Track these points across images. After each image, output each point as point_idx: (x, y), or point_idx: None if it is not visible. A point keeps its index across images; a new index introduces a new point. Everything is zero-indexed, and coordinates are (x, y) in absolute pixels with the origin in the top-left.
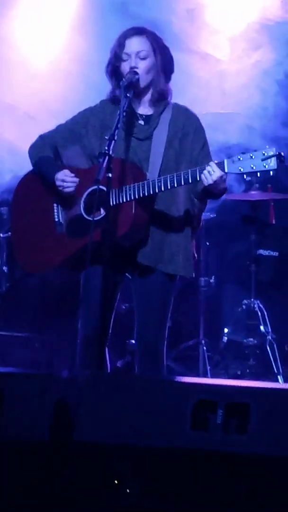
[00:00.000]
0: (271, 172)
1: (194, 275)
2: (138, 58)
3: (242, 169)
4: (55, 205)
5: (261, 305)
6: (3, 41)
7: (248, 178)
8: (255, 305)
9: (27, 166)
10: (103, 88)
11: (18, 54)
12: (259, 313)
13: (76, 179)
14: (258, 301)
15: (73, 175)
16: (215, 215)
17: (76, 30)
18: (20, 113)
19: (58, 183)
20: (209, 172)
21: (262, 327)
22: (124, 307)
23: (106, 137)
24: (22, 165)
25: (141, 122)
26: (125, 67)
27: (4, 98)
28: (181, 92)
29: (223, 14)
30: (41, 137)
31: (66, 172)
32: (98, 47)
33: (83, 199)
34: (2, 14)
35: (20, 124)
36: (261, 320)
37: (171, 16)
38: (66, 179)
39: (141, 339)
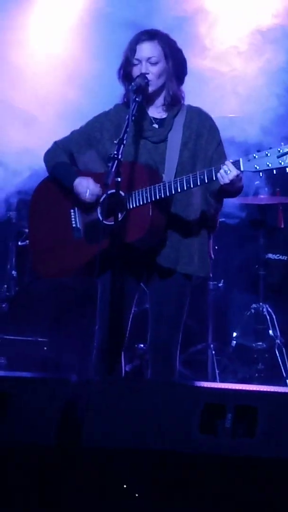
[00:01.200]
0: (287, 169)
1: (211, 275)
2: (148, 63)
3: (258, 167)
4: (72, 210)
5: (269, 309)
6: (7, 44)
7: (257, 182)
8: (264, 309)
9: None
10: (108, 89)
11: (22, 55)
12: (268, 317)
13: (99, 189)
14: (267, 305)
15: (98, 184)
16: (224, 219)
17: (79, 32)
18: (23, 113)
19: (80, 189)
20: (225, 171)
21: (271, 331)
22: (133, 311)
23: (115, 141)
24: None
25: (155, 125)
26: (136, 72)
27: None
28: (193, 95)
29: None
30: (56, 144)
31: (90, 180)
32: (100, 48)
33: (100, 203)
34: (5, 17)
35: (23, 124)
36: (269, 324)
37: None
38: (90, 187)
39: (155, 343)
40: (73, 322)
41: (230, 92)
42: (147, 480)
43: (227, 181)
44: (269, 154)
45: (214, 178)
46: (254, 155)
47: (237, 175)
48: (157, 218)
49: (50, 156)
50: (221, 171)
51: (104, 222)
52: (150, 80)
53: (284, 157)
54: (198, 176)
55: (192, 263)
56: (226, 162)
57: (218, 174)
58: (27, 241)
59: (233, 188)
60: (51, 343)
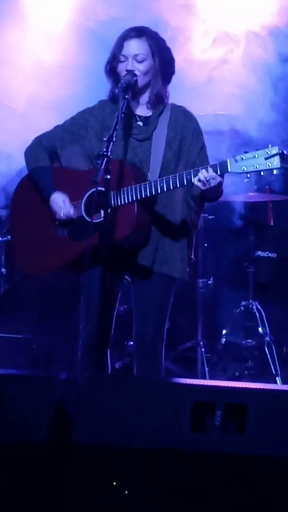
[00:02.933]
0: (275, 171)
1: (188, 277)
2: (135, 61)
3: (245, 168)
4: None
5: (259, 307)
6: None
7: (246, 179)
8: (254, 307)
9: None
10: (98, 85)
11: (15, 54)
12: (258, 315)
13: (72, 211)
14: (257, 303)
15: (71, 205)
16: (213, 216)
17: (74, 31)
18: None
19: (55, 207)
20: (205, 177)
21: (260, 329)
22: (122, 308)
23: (104, 139)
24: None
25: (140, 123)
26: (121, 68)
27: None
28: (176, 92)
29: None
30: (38, 139)
31: (65, 200)
32: (95, 45)
33: (83, 201)
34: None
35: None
36: (259, 321)
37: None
38: (66, 208)
39: (139, 340)
40: (62, 319)
41: (212, 90)
42: (137, 478)
43: (208, 186)
44: (256, 156)
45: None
46: (242, 156)
47: (216, 179)
48: (142, 216)
49: (31, 154)
50: (200, 175)
51: (92, 220)
52: (137, 76)
53: (272, 159)
54: (184, 176)
55: (168, 263)
56: (208, 167)
57: (196, 179)
58: (8, 236)
59: (213, 194)
60: (40, 341)
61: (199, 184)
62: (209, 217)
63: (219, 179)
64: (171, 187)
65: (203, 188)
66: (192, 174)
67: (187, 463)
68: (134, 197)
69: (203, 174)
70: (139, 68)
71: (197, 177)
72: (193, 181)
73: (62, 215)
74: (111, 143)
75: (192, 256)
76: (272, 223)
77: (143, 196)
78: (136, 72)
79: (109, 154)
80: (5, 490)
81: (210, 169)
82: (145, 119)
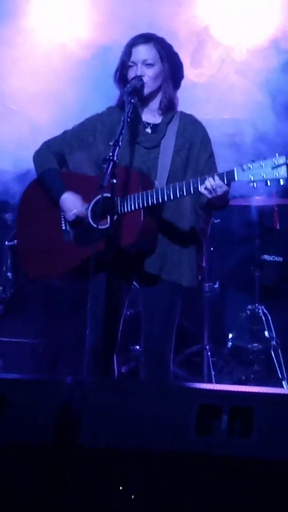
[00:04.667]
0: (282, 181)
1: (197, 285)
2: (144, 66)
3: (252, 177)
4: (62, 212)
5: (265, 310)
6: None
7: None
8: (260, 310)
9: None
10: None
11: (14, 52)
12: (264, 318)
13: (83, 209)
14: (263, 306)
15: (85, 205)
16: (219, 220)
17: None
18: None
19: (66, 207)
20: (211, 185)
21: (266, 332)
22: (128, 313)
23: (110, 143)
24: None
25: (148, 130)
26: (131, 74)
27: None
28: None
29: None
30: (46, 144)
31: (78, 200)
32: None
33: (90, 207)
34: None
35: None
36: (265, 325)
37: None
38: (78, 207)
39: (148, 348)
40: (68, 324)
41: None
42: (143, 481)
43: (214, 195)
44: (263, 165)
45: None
46: (249, 165)
47: (222, 188)
48: (148, 223)
49: (40, 158)
50: (207, 183)
51: (95, 225)
52: (145, 82)
53: (279, 168)
54: (191, 184)
55: (177, 271)
56: (215, 176)
57: (202, 187)
58: (15, 241)
59: (219, 202)
60: (46, 345)
61: (205, 192)
62: (215, 221)
63: (225, 187)
64: (178, 195)
65: (209, 196)
66: (198, 182)
67: (193, 466)
68: (140, 204)
69: (209, 182)
70: (149, 74)
71: (203, 185)
72: (199, 189)
73: (72, 214)
74: (117, 148)
75: (203, 264)
76: (278, 227)
77: (150, 204)
78: (145, 78)
79: (115, 158)
80: (9, 492)
81: (216, 178)
82: (154, 127)
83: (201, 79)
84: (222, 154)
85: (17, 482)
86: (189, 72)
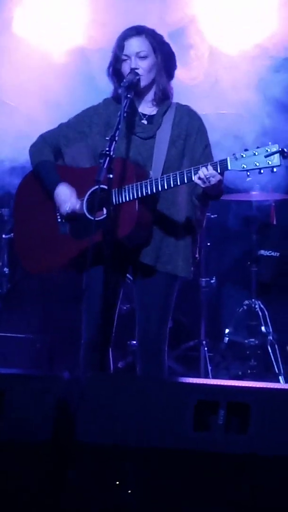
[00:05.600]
0: (275, 169)
1: (192, 276)
2: (138, 58)
3: (245, 166)
4: (56, 206)
5: (262, 306)
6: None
7: (249, 179)
8: (256, 306)
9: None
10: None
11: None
12: (260, 314)
13: (76, 204)
14: (259, 302)
15: (78, 200)
16: (216, 215)
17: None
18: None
19: (60, 199)
20: (204, 174)
21: (263, 328)
22: (125, 308)
23: (107, 138)
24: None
25: (144, 121)
26: (125, 68)
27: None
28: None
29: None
30: (42, 137)
31: (73, 194)
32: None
33: (85, 199)
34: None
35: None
36: (262, 320)
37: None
38: (72, 200)
39: (142, 339)
40: (65, 318)
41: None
42: (140, 477)
43: (208, 184)
44: (257, 154)
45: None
46: (242, 154)
47: (216, 178)
48: (143, 214)
49: (35, 151)
50: (200, 173)
51: (91, 217)
52: (141, 75)
53: (272, 156)
54: (185, 174)
55: (172, 262)
56: (208, 165)
57: (196, 177)
58: (11, 234)
59: (214, 192)
60: (43, 340)
61: (199, 182)
62: (212, 216)
63: (218, 177)
64: (171, 185)
65: (203, 186)
66: (192, 172)
67: (190, 462)
68: (135, 194)
69: (203, 172)
70: (143, 66)
71: (197, 175)
72: (193, 179)
73: (67, 208)
74: (114, 142)
75: (197, 255)
76: (275, 222)
77: (144, 194)
78: (139, 71)
79: (111, 153)
80: (7, 489)
81: (210, 167)
82: (150, 118)
83: (193, 82)
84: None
85: (15, 478)
86: (180, 73)
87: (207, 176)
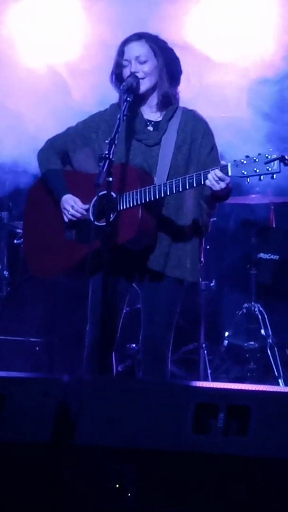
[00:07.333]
0: (274, 176)
1: (201, 280)
2: (137, 62)
3: (245, 173)
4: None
5: (261, 309)
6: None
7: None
8: (256, 309)
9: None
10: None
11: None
12: (260, 317)
13: (84, 210)
14: (259, 305)
15: (85, 206)
16: (215, 219)
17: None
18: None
19: (65, 207)
20: (213, 178)
21: (262, 331)
22: (125, 311)
23: (106, 141)
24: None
25: (150, 128)
26: (126, 73)
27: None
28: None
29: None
30: (50, 142)
31: (76, 200)
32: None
33: (91, 204)
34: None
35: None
36: (261, 323)
37: None
38: (76, 207)
39: (147, 344)
40: (65, 321)
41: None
42: (140, 480)
43: (217, 188)
44: (257, 160)
45: (202, 182)
46: (242, 160)
47: (225, 181)
48: (147, 220)
49: (43, 157)
50: (210, 176)
51: (95, 223)
52: (141, 78)
53: (272, 163)
54: (187, 180)
55: (181, 267)
56: (215, 169)
57: (207, 181)
58: (15, 240)
59: (222, 193)
60: (43, 343)
61: (209, 185)
62: (211, 219)
63: (228, 179)
64: (174, 191)
65: (214, 189)
66: (194, 178)
67: (190, 465)
68: (138, 200)
69: (212, 176)
70: (143, 70)
71: (207, 180)
72: (202, 182)
73: (70, 215)
74: (113, 145)
75: (202, 259)
76: (274, 225)
77: (147, 200)
78: (139, 74)
79: (111, 156)
80: (7, 491)
81: (217, 171)
82: (155, 124)
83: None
84: None
85: (16, 481)
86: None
87: (216, 180)
